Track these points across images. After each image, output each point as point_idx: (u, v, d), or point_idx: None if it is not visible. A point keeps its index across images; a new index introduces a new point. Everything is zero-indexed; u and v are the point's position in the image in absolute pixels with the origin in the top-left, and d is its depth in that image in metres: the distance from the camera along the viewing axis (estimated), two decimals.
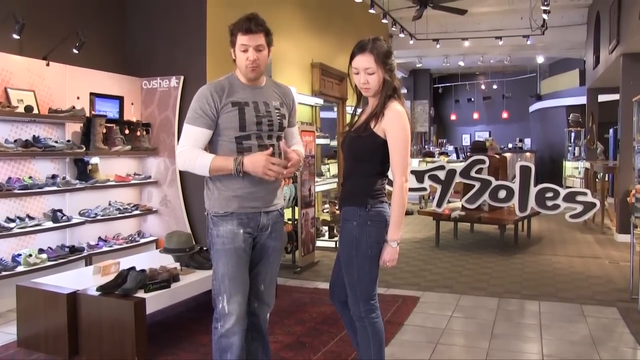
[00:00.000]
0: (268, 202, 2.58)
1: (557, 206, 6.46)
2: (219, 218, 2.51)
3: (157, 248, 5.34)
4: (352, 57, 2.51)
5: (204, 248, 4.21)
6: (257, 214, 2.54)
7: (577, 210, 6.40)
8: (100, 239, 5.04)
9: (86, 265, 4.64)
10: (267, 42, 2.49)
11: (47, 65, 4.68)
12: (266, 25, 2.49)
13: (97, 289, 3.36)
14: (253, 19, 2.45)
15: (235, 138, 2.48)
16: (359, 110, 2.66)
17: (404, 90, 2.64)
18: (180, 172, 5.52)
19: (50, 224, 4.53)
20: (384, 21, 9.93)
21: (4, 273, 4.08)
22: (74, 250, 4.64)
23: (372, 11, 9.24)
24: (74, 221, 4.71)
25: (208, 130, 2.49)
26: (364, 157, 2.50)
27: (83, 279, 3.72)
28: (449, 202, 7.25)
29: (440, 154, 13.91)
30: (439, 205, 7.03)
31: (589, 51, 11.07)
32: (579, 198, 6.39)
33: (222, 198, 2.50)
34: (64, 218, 4.61)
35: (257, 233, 2.57)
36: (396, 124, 2.42)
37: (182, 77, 5.52)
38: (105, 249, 4.94)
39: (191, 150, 2.46)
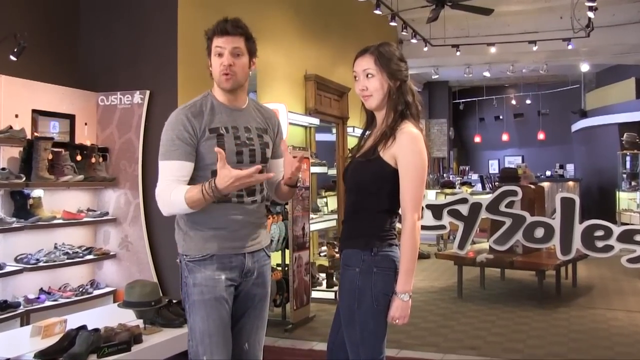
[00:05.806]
0: (252, 240, 2.63)
1: (610, 248, 6.40)
2: (195, 263, 2.54)
3: (115, 302, 5.28)
4: (353, 63, 2.56)
5: (173, 301, 4.20)
6: (240, 255, 2.58)
7: (636, 253, 6.34)
8: (42, 291, 4.97)
9: (22, 325, 4.56)
10: (247, 48, 2.57)
11: None
12: (247, 29, 2.58)
13: (35, 355, 3.32)
14: (231, 20, 2.55)
15: (212, 172, 2.50)
16: (368, 133, 2.67)
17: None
18: (145, 208, 5.51)
19: None
20: (393, 24, 10.09)
21: None
22: (6, 306, 4.54)
23: (378, 12, 9.41)
24: (7, 269, 4.62)
25: (188, 163, 2.51)
26: (370, 189, 2.49)
27: (17, 343, 3.68)
28: (473, 242, 7.24)
29: (462, 184, 13.98)
30: (461, 246, 7.01)
31: None
32: (638, 238, 6.38)
33: (199, 238, 2.54)
34: None
35: (242, 279, 2.60)
36: (409, 149, 2.42)
37: (147, 92, 5.54)
38: (48, 303, 4.87)
39: (166, 189, 2.47)
